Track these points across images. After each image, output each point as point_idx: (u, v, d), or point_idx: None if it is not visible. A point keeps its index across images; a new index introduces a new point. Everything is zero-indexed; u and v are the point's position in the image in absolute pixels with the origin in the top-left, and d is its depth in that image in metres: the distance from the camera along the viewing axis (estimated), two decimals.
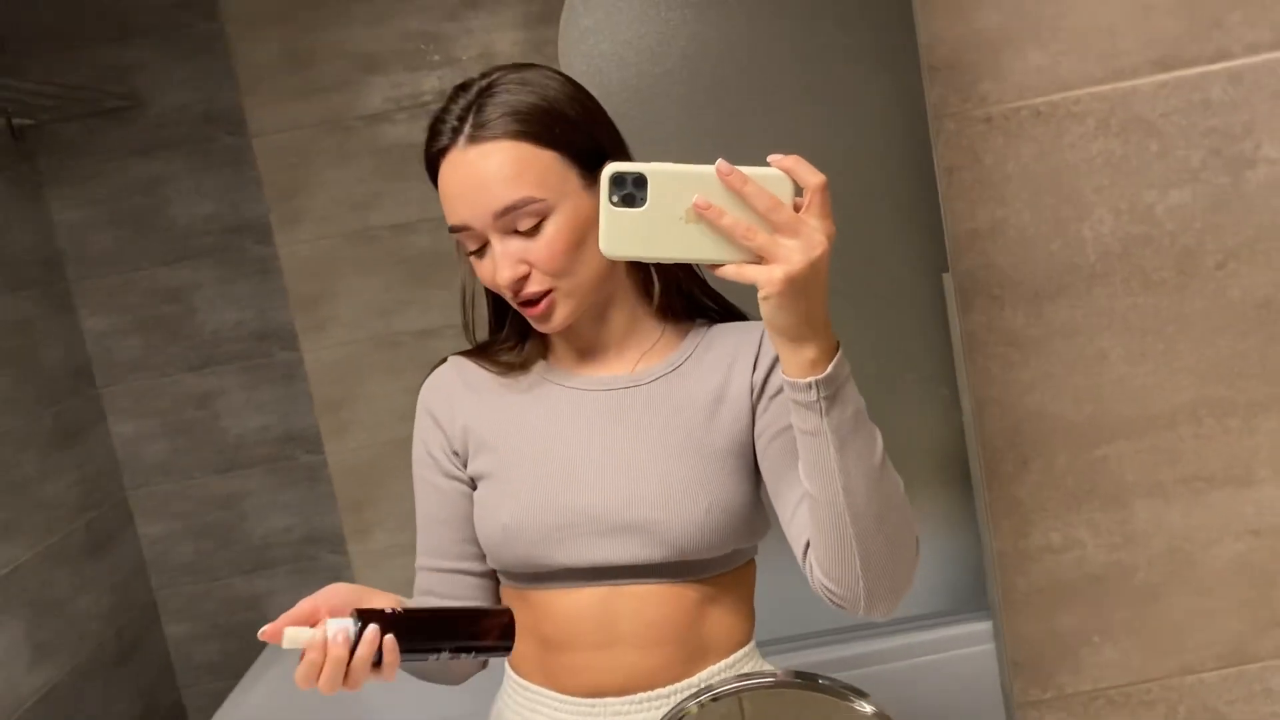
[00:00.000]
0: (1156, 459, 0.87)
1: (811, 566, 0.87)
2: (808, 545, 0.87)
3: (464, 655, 0.80)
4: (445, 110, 0.89)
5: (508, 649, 0.81)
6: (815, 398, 0.76)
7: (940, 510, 1.83)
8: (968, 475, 1.71)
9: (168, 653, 2.07)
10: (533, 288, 0.88)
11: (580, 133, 0.90)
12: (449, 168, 0.88)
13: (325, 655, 0.77)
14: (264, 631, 0.78)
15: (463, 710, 1.41)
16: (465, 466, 0.97)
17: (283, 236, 2.06)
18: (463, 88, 0.90)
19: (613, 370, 0.97)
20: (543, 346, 0.99)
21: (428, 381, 0.99)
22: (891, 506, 0.81)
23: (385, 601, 0.83)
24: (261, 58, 1.99)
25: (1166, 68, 0.82)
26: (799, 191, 0.71)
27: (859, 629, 1.72)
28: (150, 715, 1.98)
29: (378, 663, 0.78)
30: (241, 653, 2.02)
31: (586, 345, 0.97)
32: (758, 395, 0.93)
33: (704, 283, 0.98)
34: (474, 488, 0.98)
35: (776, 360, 0.94)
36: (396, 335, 2.04)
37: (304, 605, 0.80)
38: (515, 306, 0.91)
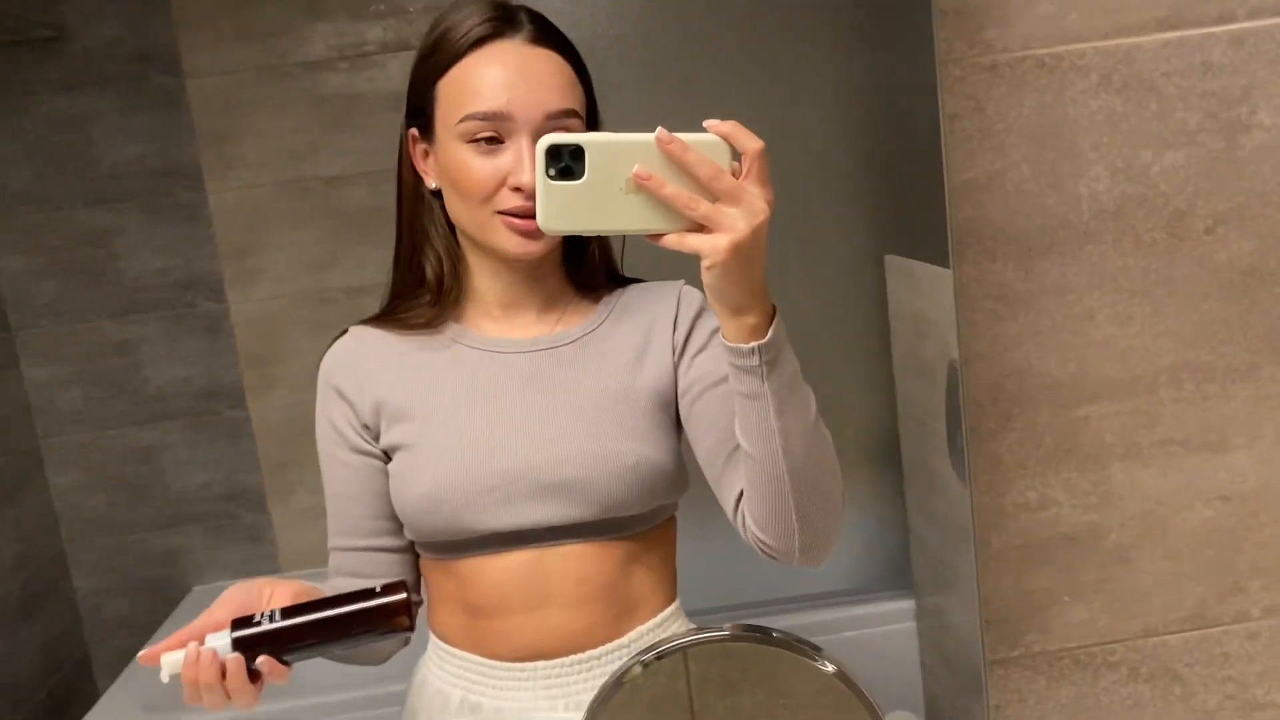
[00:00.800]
0: (1136, 421, 0.88)
1: (745, 519, 0.88)
2: (739, 499, 0.88)
3: (359, 645, 0.78)
4: (477, 7, 0.89)
5: (408, 628, 0.79)
6: (757, 362, 0.76)
7: (867, 491, 1.85)
8: (895, 457, 1.73)
9: (76, 607, 1.98)
10: None
11: (591, 84, 0.92)
12: (497, 55, 0.87)
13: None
14: (142, 656, 0.78)
15: (382, 673, 1.37)
16: (377, 440, 0.95)
17: (214, 183, 1.98)
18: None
19: (532, 332, 0.96)
20: (457, 306, 0.97)
21: (329, 355, 0.96)
22: (824, 462, 0.82)
23: (283, 596, 0.82)
24: None
25: (1170, 27, 0.82)
26: (736, 157, 0.70)
27: (780, 603, 1.73)
28: (55, 670, 1.89)
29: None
30: (153, 609, 1.94)
31: (512, 302, 0.96)
32: (679, 354, 0.94)
33: (611, 253, 1.00)
34: (387, 460, 0.96)
35: (696, 318, 0.95)
36: (327, 291, 1.97)
37: (197, 624, 0.80)
38: (507, 221, 0.89)
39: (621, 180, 0.69)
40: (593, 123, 0.93)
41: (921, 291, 1.56)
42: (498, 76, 0.86)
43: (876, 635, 1.69)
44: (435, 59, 0.90)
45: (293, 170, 1.98)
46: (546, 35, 0.88)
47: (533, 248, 0.89)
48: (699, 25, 1.61)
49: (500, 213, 0.88)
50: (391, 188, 0.97)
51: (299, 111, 1.96)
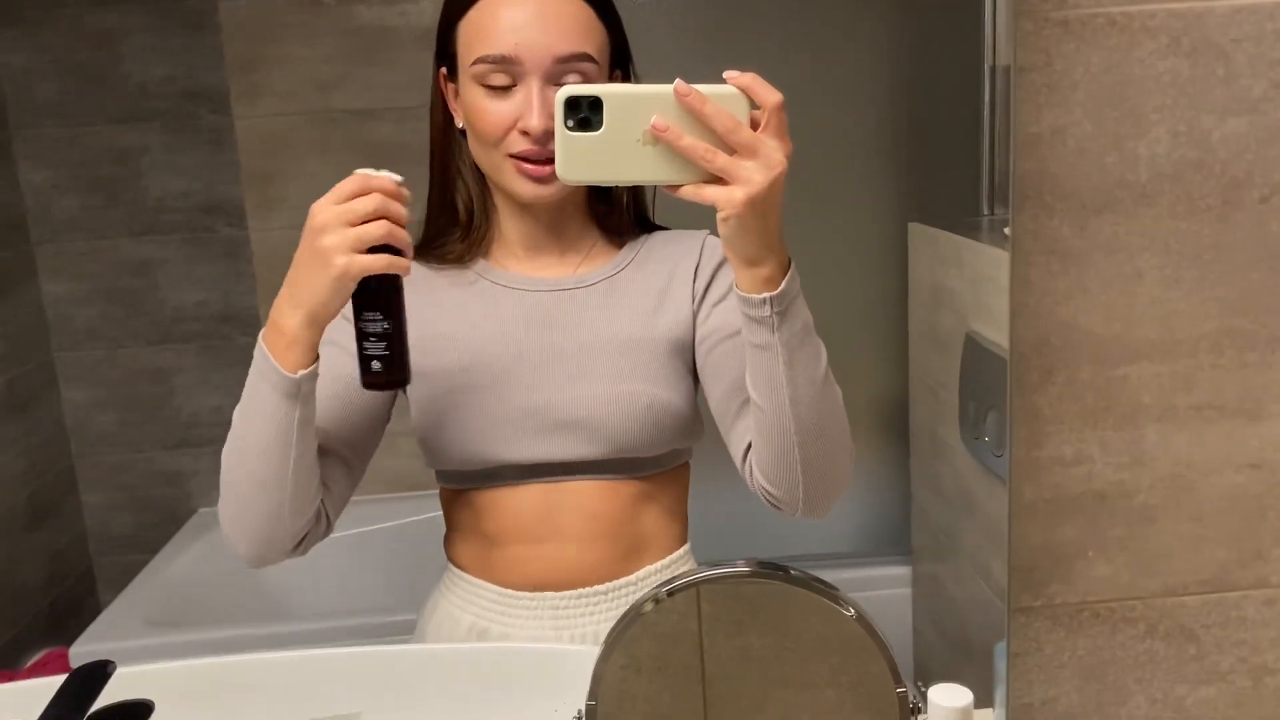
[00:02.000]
0: (1174, 384, 0.89)
1: (751, 469, 0.90)
2: (748, 449, 0.90)
3: (378, 345, 0.82)
4: None
5: (383, 381, 0.83)
6: (768, 313, 0.78)
7: (874, 457, 1.87)
8: (903, 425, 1.74)
9: (82, 521, 2.00)
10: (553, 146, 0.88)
11: (619, 26, 0.93)
12: None
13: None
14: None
15: (396, 600, 1.39)
16: None
17: (240, 109, 1.98)
18: None
19: (555, 272, 0.98)
20: (486, 243, 0.99)
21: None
22: (832, 416, 0.85)
23: None
24: None
25: None
26: (755, 107, 0.71)
27: (781, 560, 1.76)
28: (58, 582, 1.91)
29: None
30: (159, 527, 1.95)
31: (535, 243, 0.97)
32: (699, 302, 0.96)
33: (643, 199, 1.01)
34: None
35: (718, 269, 0.97)
36: None
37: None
38: (516, 164, 0.90)
39: (639, 131, 0.70)
40: (619, 65, 0.93)
41: (943, 260, 1.57)
42: (509, 19, 0.87)
43: (872, 599, 1.71)
44: (456, 0, 0.91)
45: (320, 101, 1.98)
46: None
47: (544, 191, 0.91)
48: None
49: (512, 156, 0.89)
50: (418, 124, 0.98)
51: (330, 42, 1.96)
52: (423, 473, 1.02)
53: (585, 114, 0.70)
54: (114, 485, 1.99)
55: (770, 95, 0.71)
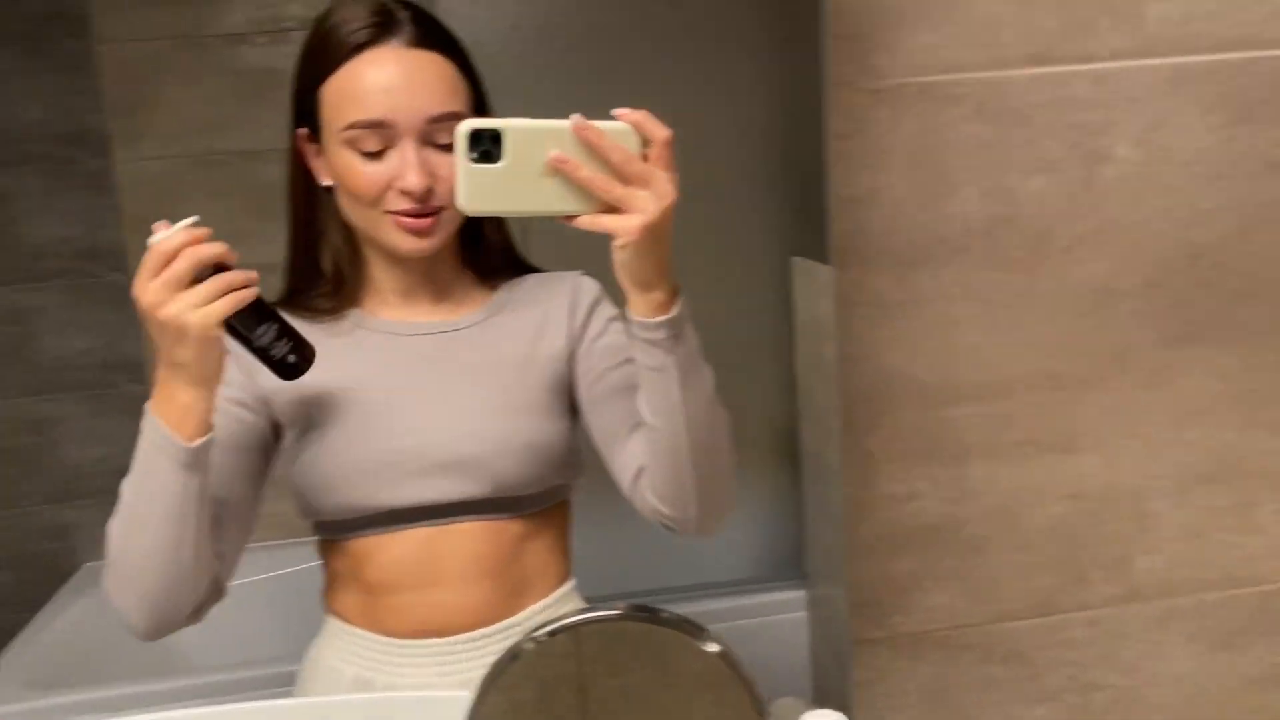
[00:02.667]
0: (995, 423, 0.95)
1: (644, 492, 0.93)
2: (638, 473, 0.92)
3: (282, 344, 0.82)
4: (357, 9, 0.90)
5: (305, 363, 0.83)
6: (664, 336, 0.82)
7: (766, 484, 1.91)
8: (794, 453, 1.79)
9: None
10: (433, 201, 0.89)
11: (478, 79, 0.93)
12: (375, 61, 0.88)
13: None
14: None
15: (277, 651, 1.38)
16: (270, 411, 0.96)
17: (122, 152, 1.95)
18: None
19: (430, 317, 0.99)
20: (356, 294, 0.99)
21: None
22: (721, 436, 0.88)
23: None
24: None
25: (1040, 62, 0.89)
26: (645, 145, 0.75)
27: (678, 590, 1.78)
28: None
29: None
30: (41, 583, 1.91)
31: (409, 290, 0.98)
32: (578, 340, 0.98)
33: (513, 242, 1.02)
34: (277, 438, 0.98)
35: (592, 308, 1.00)
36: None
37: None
38: (396, 220, 0.91)
39: (539, 164, 0.73)
40: (481, 114, 0.95)
41: (824, 293, 1.62)
42: (378, 83, 0.88)
43: (771, 624, 1.75)
44: (318, 63, 0.91)
45: (204, 143, 1.97)
46: (428, 36, 0.90)
47: (424, 244, 0.92)
48: (622, 18, 1.64)
49: (390, 213, 0.91)
50: None
51: (213, 83, 1.94)
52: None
53: (487, 147, 0.73)
54: None
55: (660, 130, 0.76)
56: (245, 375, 0.94)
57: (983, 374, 0.94)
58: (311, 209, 0.99)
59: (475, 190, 0.74)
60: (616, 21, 1.66)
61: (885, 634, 0.98)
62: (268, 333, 0.80)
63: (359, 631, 1.00)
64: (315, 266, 1.00)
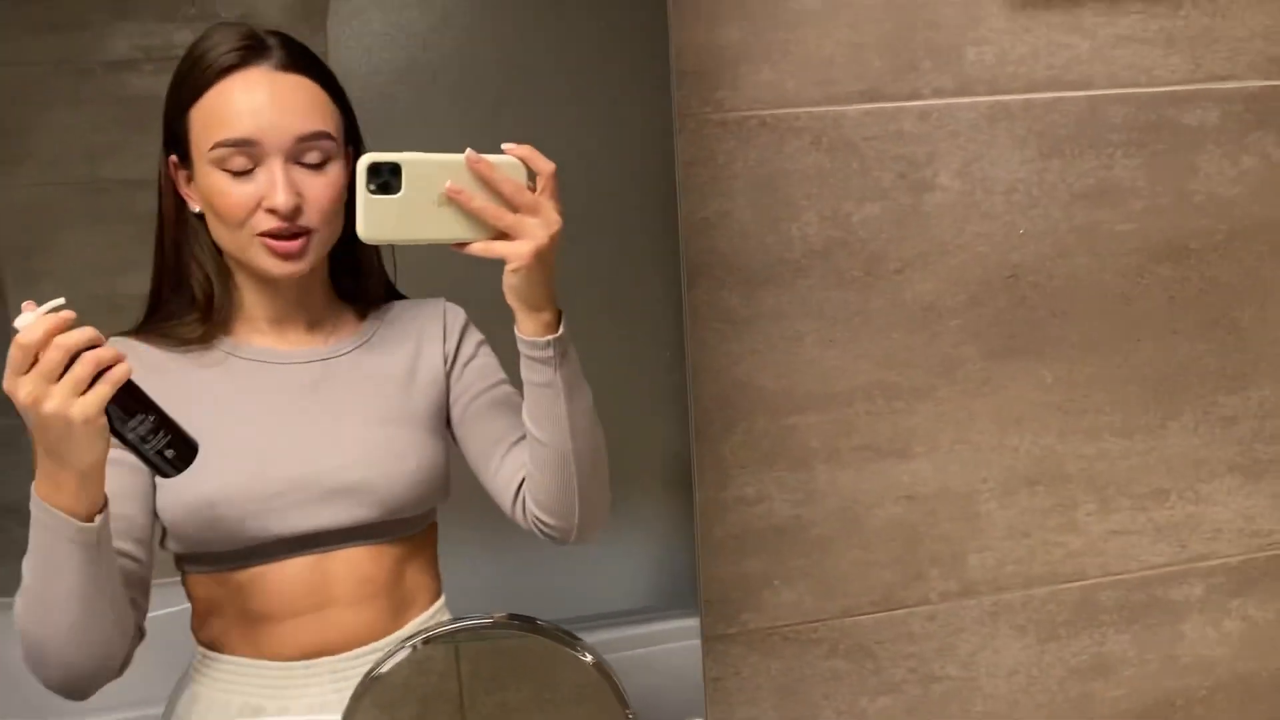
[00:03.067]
0: (836, 430, 1.02)
1: (525, 504, 0.97)
2: (519, 488, 0.97)
3: (158, 437, 0.79)
4: (226, 34, 0.93)
5: (183, 462, 0.81)
6: (551, 354, 0.88)
7: (658, 513, 1.95)
8: (685, 480, 1.83)
9: None
10: (301, 222, 0.91)
11: (349, 106, 0.96)
12: (244, 83, 0.91)
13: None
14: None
15: (148, 694, 1.36)
16: None
17: (1, 178, 1.93)
18: (235, 24, 0.94)
19: (305, 345, 1.00)
20: (226, 323, 1.00)
21: None
22: (600, 448, 0.94)
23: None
24: None
25: (871, 99, 0.97)
26: (532, 177, 0.82)
27: (571, 622, 1.81)
28: None
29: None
30: None
31: (281, 317, 0.98)
32: (450, 363, 1.02)
33: (384, 269, 1.04)
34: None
35: (463, 332, 1.04)
36: (118, 297, 1.94)
37: None
38: (264, 243, 0.92)
39: (435, 194, 0.81)
40: (352, 141, 0.97)
41: None
42: (246, 103, 0.91)
43: (664, 652, 1.79)
44: (187, 87, 0.94)
45: (88, 170, 1.95)
46: (297, 60, 0.92)
47: (293, 268, 0.94)
48: (510, 51, 1.70)
49: (260, 235, 0.93)
50: None
51: (98, 110, 1.93)
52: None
53: (386, 178, 0.80)
54: None
55: (546, 164, 0.84)
56: None
57: (824, 385, 1.01)
58: (182, 238, 1.00)
59: (375, 220, 0.80)
60: (503, 61, 1.71)
61: (736, 630, 1.04)
62: (143, 424, 0.79)
63: (243, 660, 1.00)
64: (183, 295, 1.00)
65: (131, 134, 1.99)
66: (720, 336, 0.99)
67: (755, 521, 1.03)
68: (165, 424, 0.80)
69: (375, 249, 1.00)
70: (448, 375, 1.02)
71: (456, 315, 1.06)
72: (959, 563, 1.08)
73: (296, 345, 1.00)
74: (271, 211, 0.91)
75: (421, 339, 1.03)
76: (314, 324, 1.01)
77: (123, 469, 0.89)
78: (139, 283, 2.05)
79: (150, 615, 1.66)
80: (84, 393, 0.77)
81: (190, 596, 1.01)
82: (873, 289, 1.01)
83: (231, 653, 1.00)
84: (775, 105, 0.96)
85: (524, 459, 0.95)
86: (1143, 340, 1.09)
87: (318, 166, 0.91)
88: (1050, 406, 1.08)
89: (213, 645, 1.01)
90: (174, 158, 0.98)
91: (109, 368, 0.79)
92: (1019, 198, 1.03)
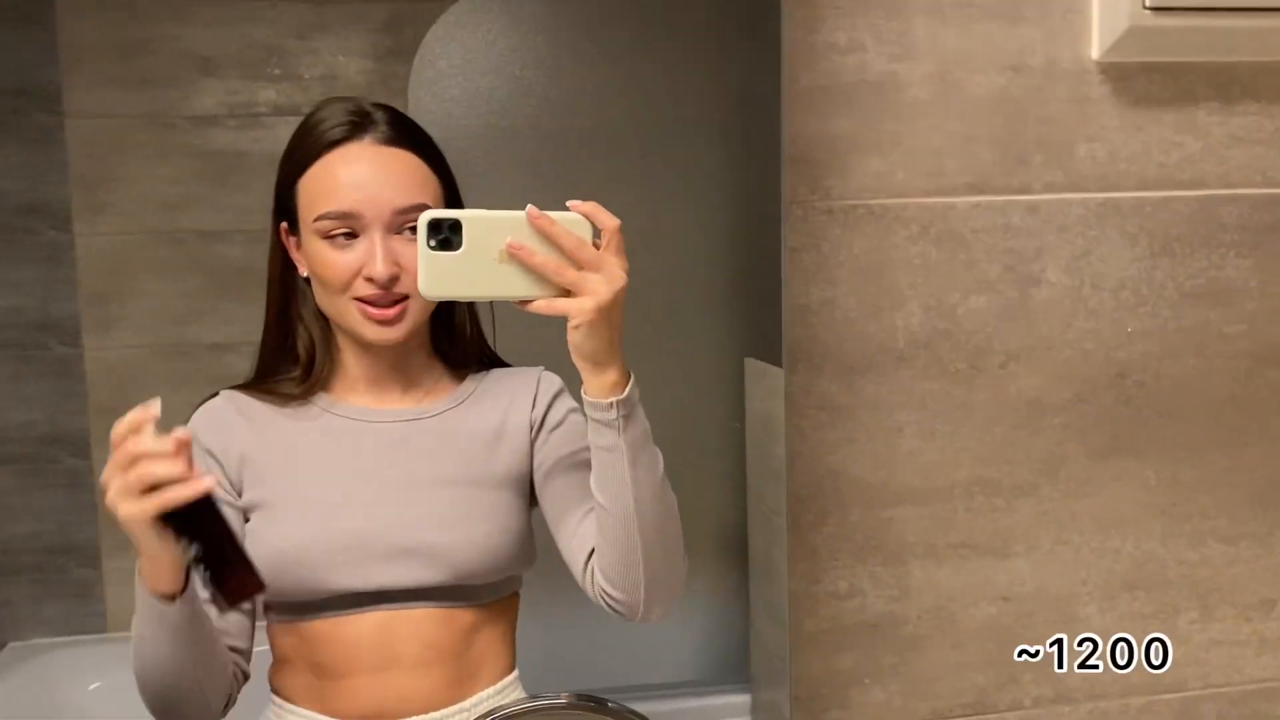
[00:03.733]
0: (934, 525, 1.00)
1: (594, 575, 0.95)
2: (589, 557, 0.96)
3: (200, 568, 0.77)
4: (336, 109, 0.95)
5: (218, 599, 0.79)
6: (615, 416, 0.86)
7: (714, 585, 1.92)
8: (742, 553, 1.81)
9: None
10: (398, 289, 0.93)
11: (451, 176, 0.99)
12: (348, 157, 0.93)
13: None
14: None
15: None
16: (240, 495, 0.98)
17: (82, 225, 1.96)
18: (344, 99, 0.96)
19: (398, 405, 1.02)
20: (326, 380, 1.02)
21: (198, 414, 0.99)
22: (671, 519, 0.92)
23: None
24: (90, 37, 1.91)
25: (979, 191, 0.96)
26: (596, 234, 0.81)
27: (621, 691, 1.77)
28: None
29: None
30: None
31: (378, 379, 1.01)
32: (536, 431, 1.02)
33: (483, 335, 1.06)
34: (247, 520, 0.99)
35: (553, 399, 1.04)
36: (188, 346, 1.97)
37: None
38: (362, 309, 0.94)
39: (496, 251, 0.79)
40: (453, 207, 1.00)
41: (775, 394, 1.67)
42: (349, 177, 0.93)
43: None
44: (296, 159, 0.97)
45: (167, 221, 1.98)
46: (400, 134, 0.95)
47: (388, 334, 0.96)
48: (587, 123, 1.71)
49: (357, 300, 0.95)
50: (266, 247, 1.03)
51: (180, 163, 1.96)
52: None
53: (446, 235, 0.78)
54: None
55: (610, 220, 0.82)
56: (216, 470, 0.96)
57: (922, 478, 0.99)
58: (287, 299, 1.03)
59: (435, 276, 0.79)
60: (583, 123, 1.72)
61: None
62: (192, 550, 0.77)
63: (308, 713, 1.00)
64: (290, 353, 1.03)
65: (211, 187, 2.03)
66: (816, 424, 0.97)
67: (847, 617, 1.00)
68: (209, 559, 0.78)
69: (470, 315, 1.02)
70: (533, 440, 1.02)
71: (551, 383, 1.06)
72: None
73: (391, 405, 1.01)
74: (370, 280, 0.93)
75: (512, 404, 1.03)
76: (410, 385, 1.02)
77: (231, 511, 0.92)
78: (208, 331, 2.08)
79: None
80: (140, 496, 0.77)
81: (270, 643, 1.02)
82: (976, 382, 0.99)
83: (297, 703, 1.00)
84: (883, 195, 0.95)
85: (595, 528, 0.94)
86: (1250, 444, 1.05)
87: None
88: (1153, 509, 1.04)
89: (283, 694, 1.01)
90: (284, 224, 1.00)
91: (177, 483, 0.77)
92: (1127, 295, 1.00)
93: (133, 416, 0.79)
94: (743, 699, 1.74)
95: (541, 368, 1.07)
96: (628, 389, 0.86)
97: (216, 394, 1.01)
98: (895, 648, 1.01)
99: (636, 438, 0.88)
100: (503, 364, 1.09)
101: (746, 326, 1.92)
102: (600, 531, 0.92)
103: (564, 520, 0.98)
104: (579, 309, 0.81)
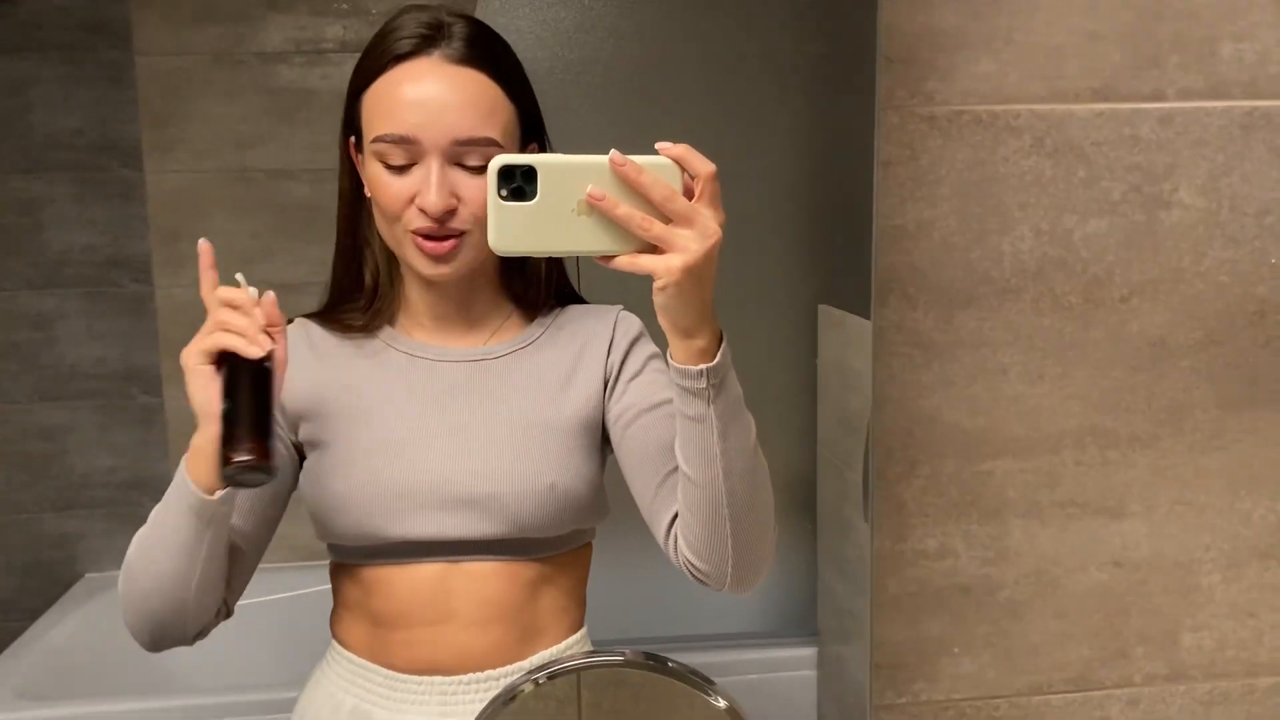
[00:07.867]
0: (1038, 480, 0.89)
1: (677, 543, 0.88)
2: (671, 523, 0.88)
3: (226, 428, 0.78)
4: (411, 19, 0.88)
5: (228, 466, 0.77)
6: (704, 385, 0.77)
7: (782, 537, 1.86)
8: (812, 505, 1.74)
9: None
10: (453, 224, 0.87)
11: (532, 99, 0.91)
12: (412, 74, 0.86)
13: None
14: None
15: (276, 678, 1.33)
16: (295, 431, 0.94)
17: (153, 164, 1.95)
18: (424, 8, 0.90)
19: (462, 343, 0.96)
20: (391, 312, 0.97)
21: None
22: (761, 490, 0.83)
23: None
24: None
25: (1104, 98, 0.84)
26: (686, 179, 0.71)
27: (687, 639, 1.73)
28: None
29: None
30: (42, 592, 1.88)
31: (444, 313, 0.96)
32: (614, 379, 0.95)
33: (563, 271, 1.00)
34: (302, 456, 0.95)
35: (632, 344, 0.96)
36: (260, 285, 1.95)
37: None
38: (415, 240, 0.89)
39: (574, 201, 0.69)
40: (533, 139, 0.93)
41: (850, 342, 1.58)
42: (411, 96, 0.86)
43: (779, 680, 1.69)
44: (363, 70, 0.91)
45: (236, 159, 1.96)
46: (475, 52, 0.87)
47: (442, 270, 0.90)
48: (657, 53, 1.63)
49: (412, 232, 0.89)
50: (334, 186, 0.96)
51: (248, 101, 1.94)
52: (317, 543, 0.99)
53: (519, 183, 0.68)
54: None
55: (704, 165, 0.71)
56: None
57: (1027, 427, 0.88)
58: (356, 220, 0.97)
59: (507, 229, 0.70)
60: (651, 55, 1.64)
61: (907, 700, 0.91)
62: (226, 406, 0.77)
63: (363, 662, 0.96)
64: (357, 279, 0.98)
65: (279, 125, 1.99)
66: (909, 363, 0.87)
67: (936, 579, 0.90)
68: (231, 418, 0.77)
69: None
70: (609, 390, 0.94)
71: (629, 325, 0.98)
72: (1170, 642, 0.94)
73: (454, 343, 0.96)
74: (424, 211, 0.87)
75: (586, 347, 0.96)
76: (476, 323, 0.96)
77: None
78: (278, 270, 2.05)
79: (290, 596, 1.64)
80: (204, 337, 0.79)
81: (332, 584, 0.99)
82: (1092, 318, 0.87)
83: (353, 651, 0.97)
84: (993, 100, 0.83)
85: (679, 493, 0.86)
86: None
87: (479, 169, 0.86)
88: None
89: (340, 640, 0.99)
90: (351, 139, 0.94)
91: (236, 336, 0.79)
92: (1272, 221, 0.88)
93: (228, 292, 0.82)
94: (808, 652, 1.68)
95: (619, 307, 0.99)
96: (719, 355, 0.76)
97: (292, 320, 0.97)
98: (990, 615, 0.91)
99: (727, 407, 0.78)
100: (580, 300, 1.01)
101: (821, 271, 1.83)
102: (685, 501, 0.84)
103: (643, 479, 0.91)
104: (666, 267, 0.70)
